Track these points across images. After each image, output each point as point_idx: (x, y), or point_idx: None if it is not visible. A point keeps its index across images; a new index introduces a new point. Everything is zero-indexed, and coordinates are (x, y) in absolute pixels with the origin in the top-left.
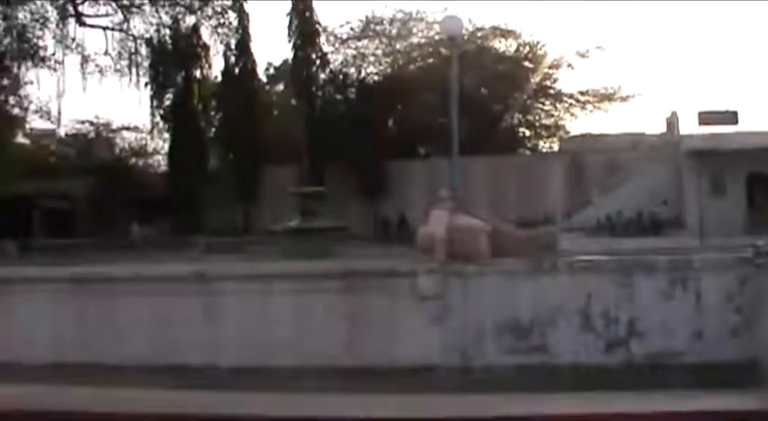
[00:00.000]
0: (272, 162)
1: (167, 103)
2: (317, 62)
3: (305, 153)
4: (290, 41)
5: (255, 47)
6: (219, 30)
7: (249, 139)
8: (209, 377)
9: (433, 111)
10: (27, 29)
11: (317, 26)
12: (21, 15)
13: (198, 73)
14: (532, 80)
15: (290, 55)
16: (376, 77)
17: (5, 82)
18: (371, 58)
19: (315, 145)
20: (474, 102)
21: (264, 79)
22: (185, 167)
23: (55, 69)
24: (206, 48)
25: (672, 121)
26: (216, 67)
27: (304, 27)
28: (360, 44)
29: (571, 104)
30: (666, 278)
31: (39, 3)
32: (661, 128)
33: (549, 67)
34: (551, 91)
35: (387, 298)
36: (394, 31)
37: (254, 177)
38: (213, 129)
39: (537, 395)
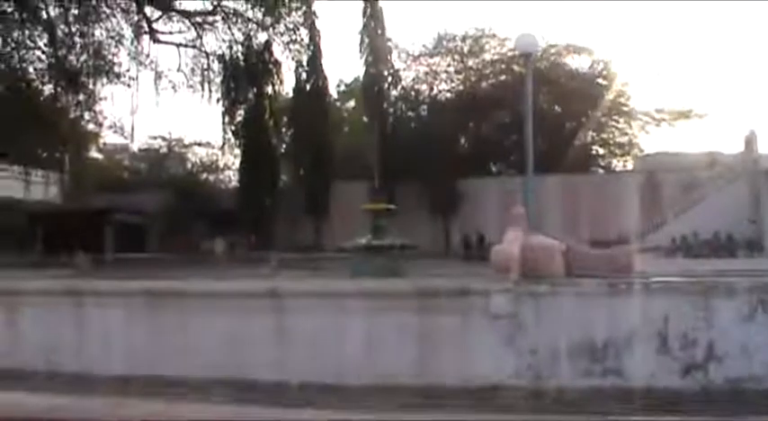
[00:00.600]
0: (342, 178)
1: (239, 118)
2: (389, 79)
3: (375, 170)
4: (361, 58)
5: (327, 63)
6: (291, 46)
7: (320, 155)
8: (279, 394)
9: (506, 129)
10: (103, 46)
11: (389, 43)
12: (97, 33)
13: (269, 89)
14: (606, 97)
15: (361, 72)
16: (448, 94)
17: (81, 98)
18: (443, 75)
19: (385, 161)
20: (548, 119)
21: (335, 96)
22: (256, 183)
23: (129, 85)
24: (277, 64)
25: (750, 140)
26: (287, 84)
27: (376, 44)
28: (432, 61)
29: (646, 122)
30: (747, 300)
31: (114, 20)
32: (738, 146)
33: (623, 85)
34: (625, 108)
35: (459, 317)
36: (466, 48)
37: (325, 193)
38: (284, 145)
39: (611, 418)
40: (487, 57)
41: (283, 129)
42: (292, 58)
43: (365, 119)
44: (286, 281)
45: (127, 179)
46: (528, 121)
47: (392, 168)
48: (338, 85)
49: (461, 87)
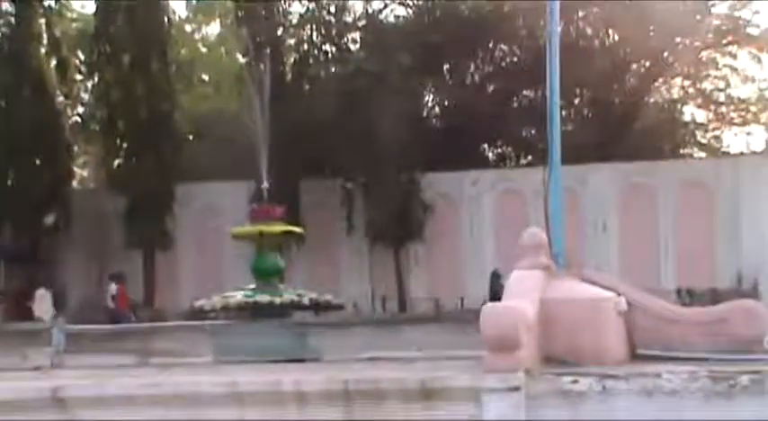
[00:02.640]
0: (196, 174)
1: None
2: None
3: (263, 157)
4: None
5: None
6: None
7: (152, 126)
8: None
9: (512, 80)
10: None
11: None
12: None
13: None
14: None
15: None
16: (399, 15)
17: None
18: None
19: (282, 142)
20: (592, 57)
21: (181, 11)
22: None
23: None
24: None
25: None
26: None
27: None
28: None
29: None
30: None
31: None
32: None
33: None
34: (750, 35)
35: None
36: None
37: (161, 203)
38: (81, 106)
39: None
40: None
41: (79, 77)
42: None
43: (240, 59)
44: (87, 377)
45: None
46: (553, 59)
47: (296, 155)
48: None
49: (421, 3)
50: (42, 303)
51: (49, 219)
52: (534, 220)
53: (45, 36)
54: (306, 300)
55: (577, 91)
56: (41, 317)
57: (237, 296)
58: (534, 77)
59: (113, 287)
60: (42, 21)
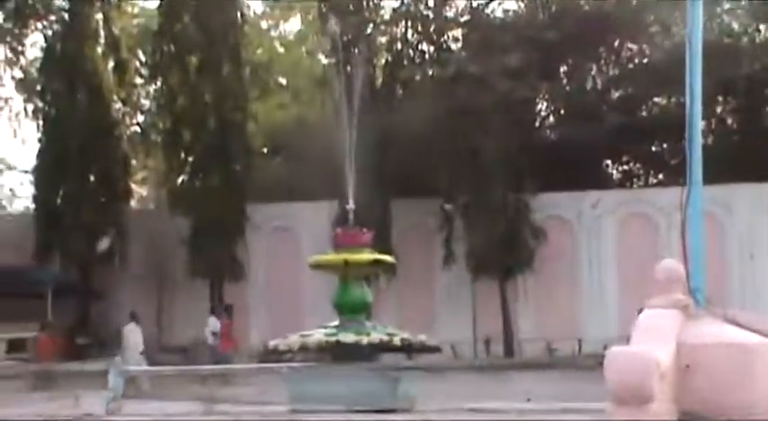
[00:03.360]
0: (267, 195)
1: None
2: None
3: (349, 174)
4: None
5: None
6: None
7: (223, 137)
8: None
9: (642, 87)
10: None
11: None
12: None
13: None
14: None
15: None
16: (508, 12)
17: None
18: None
19: (372, 158)
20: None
21: (257, 7)
22: (69, 203)
23: None
24: None
25: None
26: None
27: None
28: None
29: None
30: None
31: None
32: None
33: None
34: None
35: None
36: None
37: (233, 224)
38: (142, 115)
39: None
40: None
41: (139, 81)
42: None
43: (324, 60)
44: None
45: None
46: (695, 60)
47: (387, 171)
48: None
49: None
50: (130, 338)
51: (103, 245)
52: (666, 249)
53: (102, 34)
54: (397, 341)
55: (720, 98)
56: (129, 353)
57: (318, 335)
58: (668, 82)
59: (214, 322)
60: (99, 17)
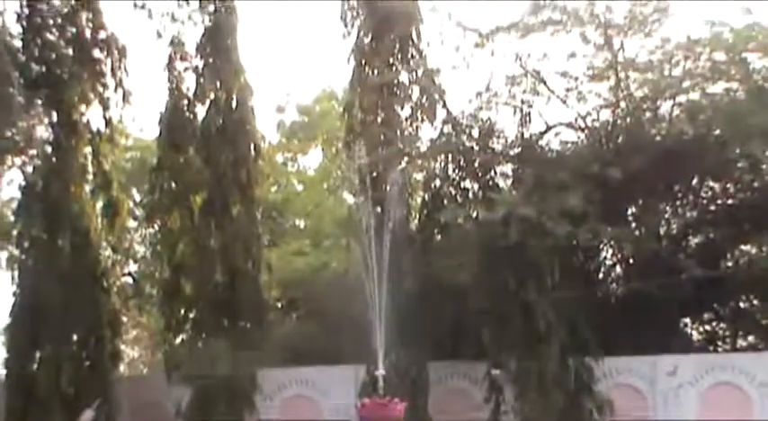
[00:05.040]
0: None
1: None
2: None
3: (379, 334)
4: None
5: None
6: None
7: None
8: None
9: None
10: None
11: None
12: None
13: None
14: None
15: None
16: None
17: None
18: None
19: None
20: None
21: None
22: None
23: None
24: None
25: None
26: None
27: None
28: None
29: None
30: None
31: None
32: None
33: None
34: None
35: None
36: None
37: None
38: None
39: None
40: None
41: (133, 224)
42: None
43: (349, 200)
44: None
45: None
46: None
47: (424, 331)
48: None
49: (598, 124)
50: None
51: (86, 419)
52: None
53: (90, 170)
54: None
55: None
56: None
57: None
58: (757, 227)
59: None
60: (88, 150)
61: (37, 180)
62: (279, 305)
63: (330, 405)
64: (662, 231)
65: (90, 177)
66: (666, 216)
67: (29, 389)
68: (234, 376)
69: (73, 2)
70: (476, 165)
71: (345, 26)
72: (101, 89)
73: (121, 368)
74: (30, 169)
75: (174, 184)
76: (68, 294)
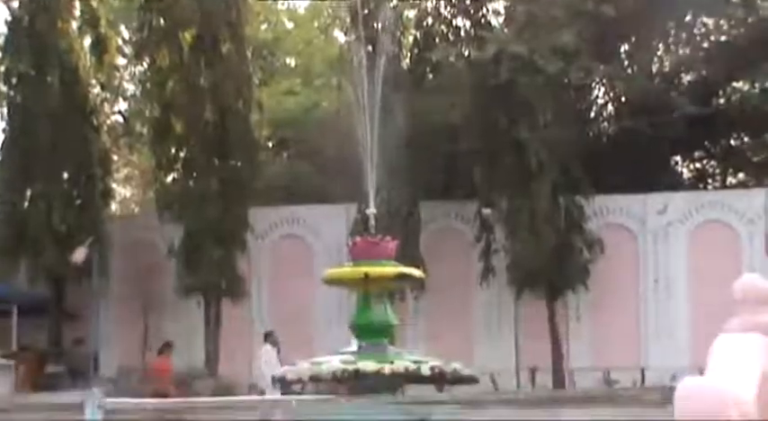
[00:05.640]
0: (269, 197)
1: None
2: None
3: (370, 171)
4: None
5: None
6: None
7: (222, 126)
8: None
9: None
10: None
11: None
12: None
13: None
14: None
15: None
16: None
17: None
18: None
19: (394, 151)
20: None
21: None
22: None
23: None
24: None
25: None
26: None
27: None
28: None
29: None
30: None
31: None
32: None
33: None
34: None
35: None
36: None
37: (234, 233)
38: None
39: None
40: None
41: (122, 62)
42: None
43: (341, 38)
44: None
45: None
46: None
47: (415, 170)
48: None
49: None
50: (263, 363)
51: (78, 256)
52: (749, 262)
53: (78, 6)
54: (425, 370)
55: None
56: (260, 381)
57: (332, 362)
58: (750, 64)
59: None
60: None
61: (23, 15)
62: (270, 144)
63: (322, 244)
64: (654, 69)
65: (77, 14)
66: (659, 53)
67: (20, 227)
68: (225, 215)
69: None
70: (467, 2)
71: None
72: None
73: (113, 206)
74: (15, 4)
75: (162, 21)
76: (58, 132)
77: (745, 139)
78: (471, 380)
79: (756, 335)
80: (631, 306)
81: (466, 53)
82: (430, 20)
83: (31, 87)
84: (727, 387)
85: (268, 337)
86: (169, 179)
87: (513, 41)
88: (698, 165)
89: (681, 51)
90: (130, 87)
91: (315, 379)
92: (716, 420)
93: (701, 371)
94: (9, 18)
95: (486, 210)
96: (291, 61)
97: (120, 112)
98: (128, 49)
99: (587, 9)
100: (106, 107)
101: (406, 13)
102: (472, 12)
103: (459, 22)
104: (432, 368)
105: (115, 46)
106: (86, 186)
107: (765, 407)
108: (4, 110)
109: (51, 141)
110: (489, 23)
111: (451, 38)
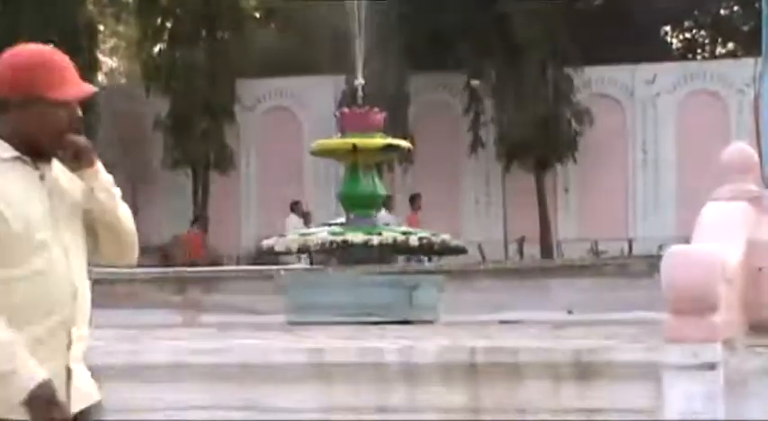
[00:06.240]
0: (256, 68)
1: None
2: None
3: (359, 39)
4: None
5: None
6: None
7: None
8: None
9: None
10: None
11: None
12: None
13: None
14: None
15: None
16: None
17: None
18: None
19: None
20: None
21: None
22: None
23: None
24: None
25: None
26: None
27: None
28: None
29: None
30: None
31: None
32: None
33: None
34: None
35: None
36: None
37: (220, 103)
38: None
39: None
40: None
41: None
42: None
43: None
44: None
45: None
46: None
47: (404, 40)
48: None
49: None
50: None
51: None
52: (737, 132)
53: None
54: (414, 240)
55: None
56: None
57: (321, 233)
58: None
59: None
60: None
61: None
62: (257, 15)
63: (310, 115)
64: None
65: None
66: None
67: None
68: (213, 87)
69: None
70: None
71: None
72: None
73: (99, 77)
74: None
75: None
76: (43, 2)
77: (735, 8)
78: (459, 250)
79: (743, 204)
80: (619, 177)
81: None
82: None
83: None
84: (714, 254)
85: (295, 207)
86: (155, 50)
87: None
88: (687, 35)
89: None
90: None
91: (303, 250)
92: (701, 287)
93: (688, 242)
94: None
95: (475, 82)
96: None
97: None
98: None
99: None
100: None
101: None
102: None
103: None
104: (420, 239)
105: None
106: (71, 57)
107: (750, 274)
108: None
109: (35, 9)
110: None
111: None
